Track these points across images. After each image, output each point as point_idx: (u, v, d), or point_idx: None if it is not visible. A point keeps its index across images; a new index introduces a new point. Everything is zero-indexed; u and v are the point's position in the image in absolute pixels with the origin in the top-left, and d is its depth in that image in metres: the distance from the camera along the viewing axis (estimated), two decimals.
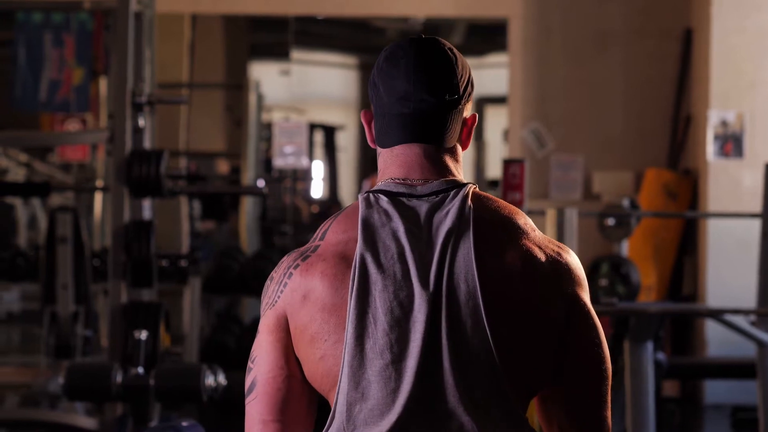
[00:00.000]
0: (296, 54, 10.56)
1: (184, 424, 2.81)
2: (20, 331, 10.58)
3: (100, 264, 6.72)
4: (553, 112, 8.88)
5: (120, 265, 5.28)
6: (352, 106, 11.48)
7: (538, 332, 1.97)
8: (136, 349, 4.97)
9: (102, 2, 5.99)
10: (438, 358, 1.93)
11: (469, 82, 2.06)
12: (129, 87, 5.37)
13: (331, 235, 2.01)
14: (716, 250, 8.21)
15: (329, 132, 11.45)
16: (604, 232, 7.37)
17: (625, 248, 7.46)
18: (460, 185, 2.02)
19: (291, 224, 10.00)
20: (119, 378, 4.89)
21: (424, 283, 1.95)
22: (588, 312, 2.01)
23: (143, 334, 4.99)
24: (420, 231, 1.98)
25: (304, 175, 10.80)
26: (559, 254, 2.01)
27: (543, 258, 1.99)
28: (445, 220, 1.98)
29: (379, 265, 1.96)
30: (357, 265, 1.96)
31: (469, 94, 2.07)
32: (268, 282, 2.05)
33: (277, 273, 2.04)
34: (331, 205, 11.39)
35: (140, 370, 4.92)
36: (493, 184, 10.26)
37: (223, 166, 10.64)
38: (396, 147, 2.06)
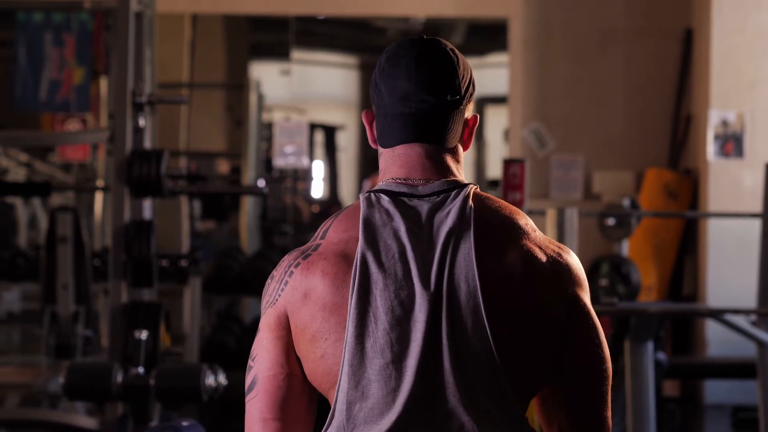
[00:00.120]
0: (297, 54, 10.55)
1: (185, 424, 2.81)
2: (20, 331, 10.58)
3: (101, 264, 6.72)
4: (553, 112, 8.88)
5: (120, 265, 5.28)
6: (352, 106, 11.46)
7: (539, 332, 1.97)
8: (136, 349, 4.97)
9: (102, 2, 5.98)
10: (438, 357, 1.93)
11: (471, 82, 2.07)
12: (129, 87, 5.37)
13: (332, 234, 2.02)
14: (716, 250, 8.21)
15: (330, 132, 11.43)
16: (605, 232, 7.37)
17: (626, 248, 7.46)
18: (462, 185, 2.03)
19: (291, 224, 9.99)
20: (119, 378, 4.89)
21: (425, 282, 1.95)
22: (588, 312, 2.02)
23: (143, 334, 4.99)
24: (421, 231, 1.98)
25: (305, 175, 10.78)
26: (559, 255, 2.02)
27: (543, 258, 2.00)
28: (446, 220, 1.98)
29: (380, 265, 1.96)
30: (358, 264, 1.96)
31: (471, 95, 2.07)
32: (269, 281, 2.05)
33: (278, 271, 2.04)
34: (331, 205, 11.37)
35: (140, 370, 4.92)
36: (493, 183, 10.24)
37: (223, 166, 10.63)
38: (397, 147, 2.06)
